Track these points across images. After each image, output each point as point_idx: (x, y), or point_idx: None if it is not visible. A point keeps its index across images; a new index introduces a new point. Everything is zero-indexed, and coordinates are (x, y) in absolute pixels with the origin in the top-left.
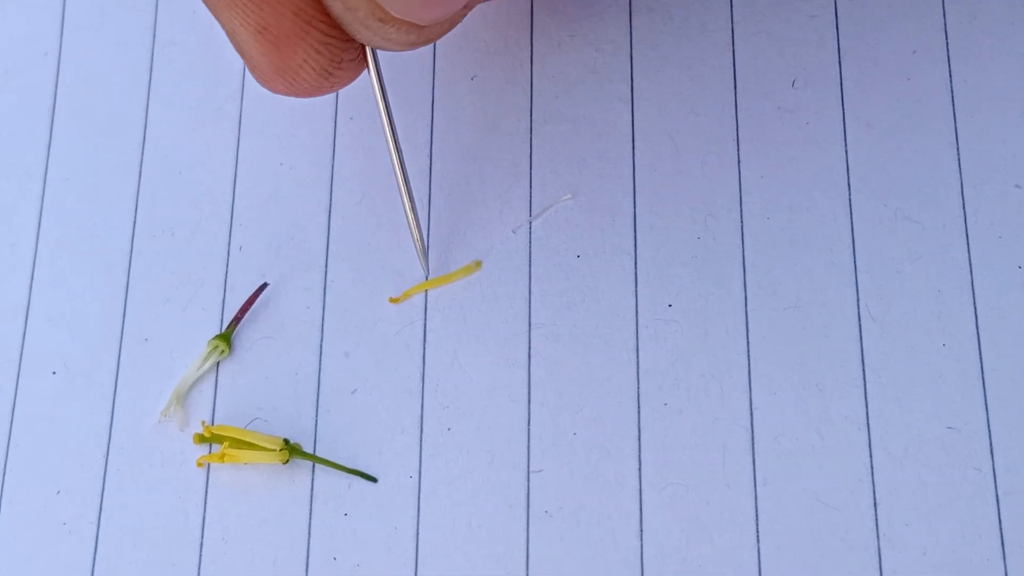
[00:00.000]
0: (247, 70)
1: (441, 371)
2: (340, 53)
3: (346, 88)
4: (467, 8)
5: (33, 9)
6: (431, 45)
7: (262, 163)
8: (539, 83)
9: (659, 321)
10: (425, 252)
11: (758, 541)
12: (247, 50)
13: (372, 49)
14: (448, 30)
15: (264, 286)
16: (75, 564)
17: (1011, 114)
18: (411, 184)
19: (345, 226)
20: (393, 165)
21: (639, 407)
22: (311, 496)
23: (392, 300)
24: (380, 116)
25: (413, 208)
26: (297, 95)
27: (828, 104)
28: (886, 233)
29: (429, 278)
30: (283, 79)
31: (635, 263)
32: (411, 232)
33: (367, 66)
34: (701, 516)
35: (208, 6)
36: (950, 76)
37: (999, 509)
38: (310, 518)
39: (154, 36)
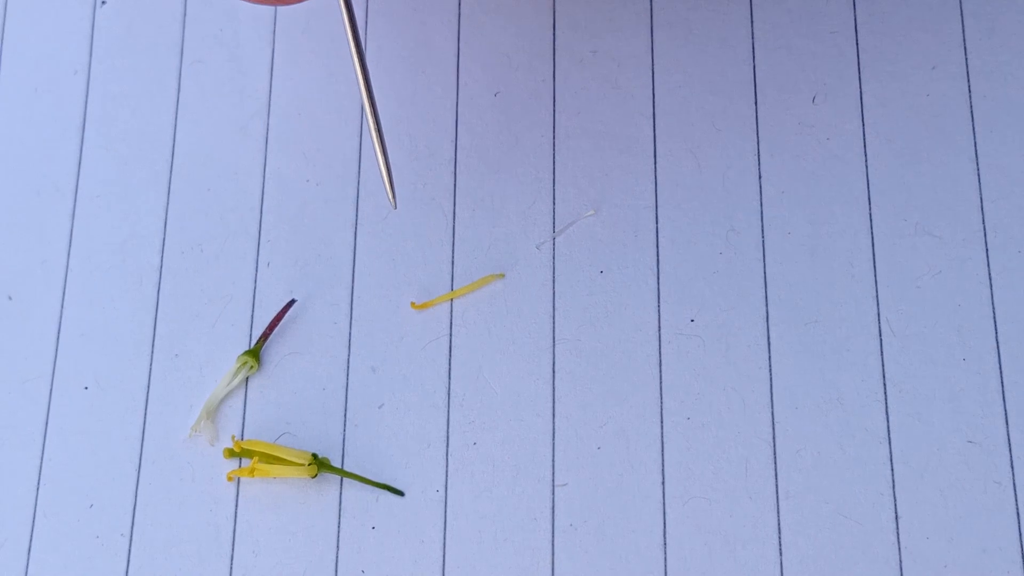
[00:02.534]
0: (270, 79)
1: (467, 386)
2: None
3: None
4: None
5: (63, 28)
6: (455, 62)
7: (289, 180)
8: (562, 99)
9: (682, 336)
10: (391, 182)
11: (780, 554)
12: None
13: None
14: None
15: (292, 302)
16: None
17: None
18: (378, 108)
19: (371, 242)
20: (360, 88)
21: (662, 421)
22: (339, 509)
23: (414, 306)
24: (344, 25)
25: (379, 134)
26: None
27: (848, 119)
28: (906, 247)
29: (454, 289)
30: None
31: (657, 278)
32: (377, 161)
33: None
34: (724, 529)
35: None
36: (969, 91)
37: (1019, 522)
38: (338, 531)
39: (182, 54)
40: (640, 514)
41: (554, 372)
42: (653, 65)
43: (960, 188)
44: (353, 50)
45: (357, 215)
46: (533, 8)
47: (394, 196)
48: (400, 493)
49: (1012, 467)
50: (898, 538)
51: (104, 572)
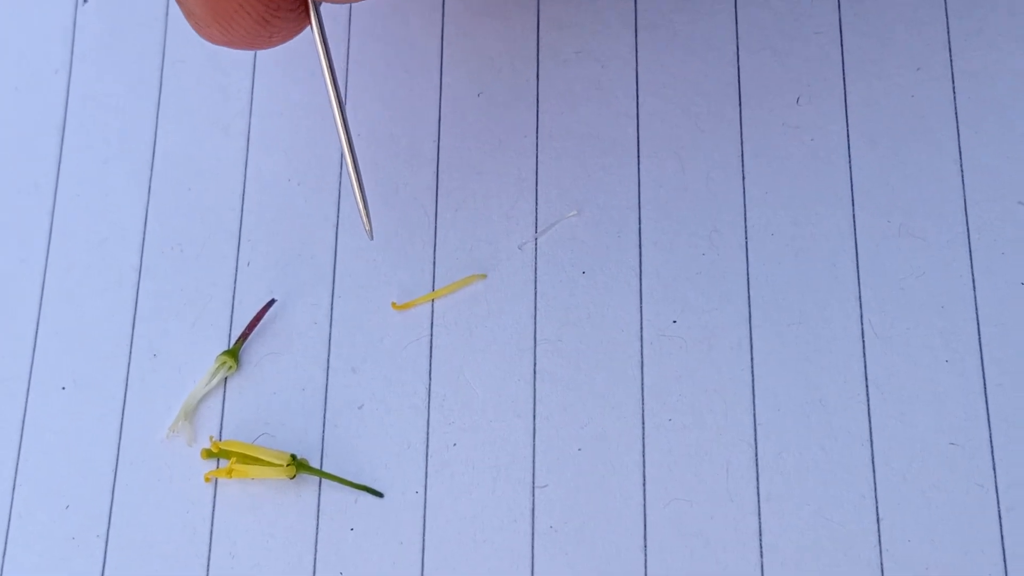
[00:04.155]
0: (252, 79)
1: (447, 386)
2: (278, 1)
3: (352, 108)
4: None
5: (44, 26)
6: (438, 60)
7: (270, 179)
8: (545, 99)
9: (664, 337)
10: (367, 209)
11: (761, 556)
12: None
13: (314, 1)
14: None
15: (272, 302)
16: None
17: (1014, 131)
18: (354, 142)
19: (352, 242)
20: (335, 121)
21: (643, 423)
22: (318, 511)
23: (395, 306)
24: (322, 69)
25: (355, 163)
26: (234, 45)
27: (832, 120)
28: (890, 249)
29: (436, 289)
30: (218, 25)
31: (640, 279)
32: (353, 188)
33: (310, 22)
34: (705, 531)
35: None
36: (954, 93)
37: (1001, 525)
38: (317, 533)
39: (163, 54)
40: (621, 516)
41: (535, 373)
42: (637, 66)
43: (944, 190)
44: (330, 87)
45: (338, 215)
46: (517, 8)
47: (371, 226)
48: (379, 494)
49: (994, 469)
50: (880, 540)
51: (80, 573)
